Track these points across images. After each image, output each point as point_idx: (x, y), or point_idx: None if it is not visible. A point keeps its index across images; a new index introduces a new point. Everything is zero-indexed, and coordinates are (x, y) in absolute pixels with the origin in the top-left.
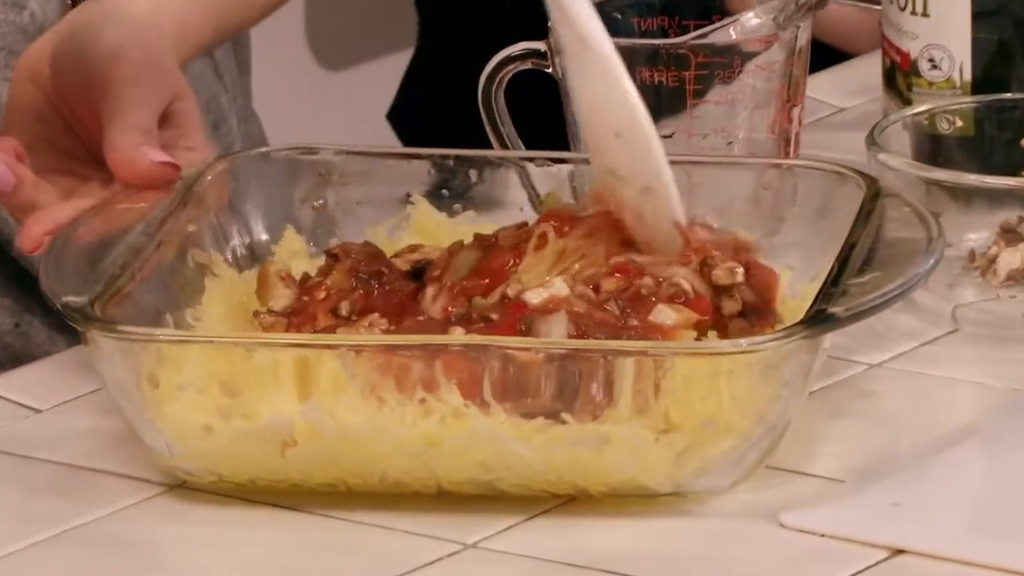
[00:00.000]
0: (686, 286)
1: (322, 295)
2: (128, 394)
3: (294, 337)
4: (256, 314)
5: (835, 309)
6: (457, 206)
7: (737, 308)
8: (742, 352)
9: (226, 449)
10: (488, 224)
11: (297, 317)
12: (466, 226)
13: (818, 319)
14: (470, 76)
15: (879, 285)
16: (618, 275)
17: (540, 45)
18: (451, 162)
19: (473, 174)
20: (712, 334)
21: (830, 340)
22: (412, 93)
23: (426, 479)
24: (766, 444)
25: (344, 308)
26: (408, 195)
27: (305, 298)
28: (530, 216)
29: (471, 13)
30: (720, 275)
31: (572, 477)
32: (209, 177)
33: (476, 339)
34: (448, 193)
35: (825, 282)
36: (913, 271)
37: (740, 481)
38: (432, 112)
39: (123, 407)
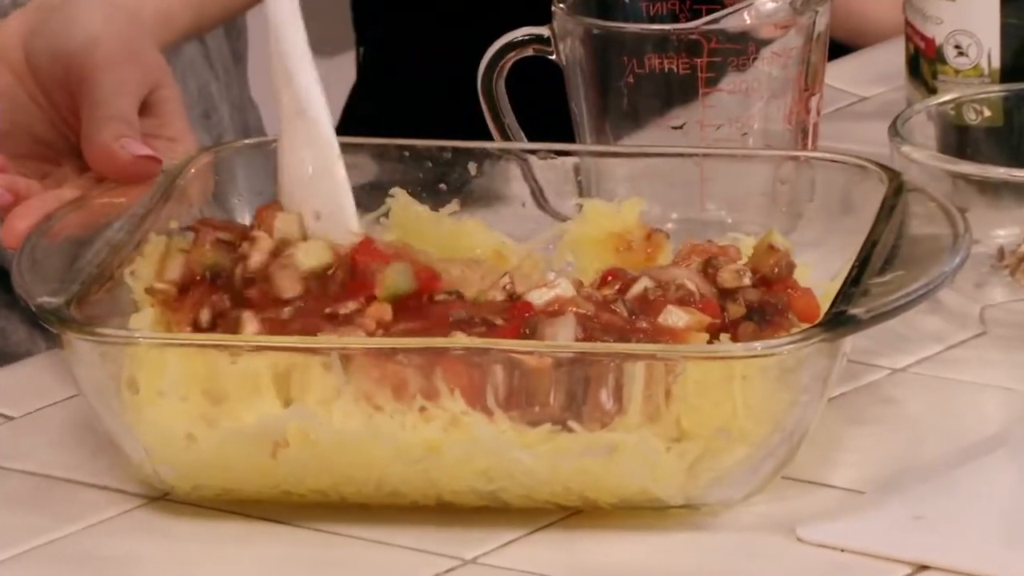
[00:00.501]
0: (692, 287)
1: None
2: (106, 400)
3: (283, 340)
4: (148, 290)
5: (855, 310)
6: (455, 200)
7: (741, 312)
8: (758, 356)
9: (212, 455)
10: (472, 218)
11: (182, 292)
12: (449, 220)
13: (838, 321)
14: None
15: (902, 285)
16: (611, 280)
17: (543, 30)
18: (449, 154)
19: (472, 167)
20: (724, 337)
21: (850, 343)
22: (354, 122)
23: (425, 488)
24: (783, 453)
25: (207, 311)
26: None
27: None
28: (519, 214)
29: (418, 45)
30: (726, 278)
31: (579, 488)
32: (192, 170)
33: (479, 342)
34: (446, 187)
35: (845, 282)
36: (938, 270)
37: (755, 492)
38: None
39: (101, 414)
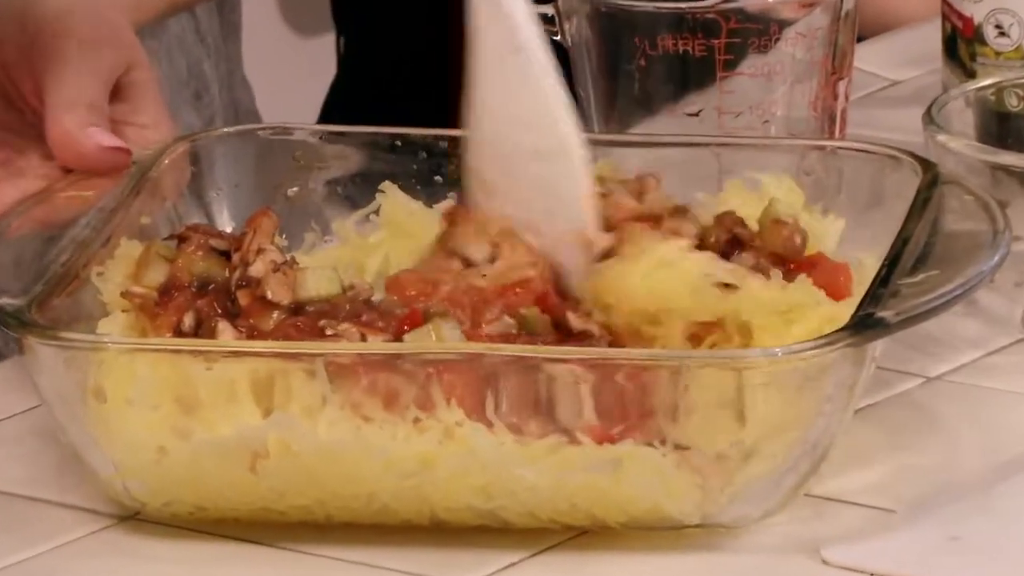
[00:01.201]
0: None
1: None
2: (71, 410)
3: (261, 345)
4: (124, 293)
5: (884, 313)
6: (452, 194)
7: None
8: (776, 362)
9: (185, 469)
10: None
11: (164, 297)
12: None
13: (865, 324)
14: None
15: (935, 286)
16: None
17: (546, 9)
18: (445, 144)
19: None
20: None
21: (880, 348)
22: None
23: (418, 506)
24: (804, 468)
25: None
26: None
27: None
28: None
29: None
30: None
31: (585, 505)
32: (166, 161)
33: (475, 347)
34: (441, 180)
35: (873, 282)
36: (974, 269)
37: (776, 511)
38: None
39: (65, 425)
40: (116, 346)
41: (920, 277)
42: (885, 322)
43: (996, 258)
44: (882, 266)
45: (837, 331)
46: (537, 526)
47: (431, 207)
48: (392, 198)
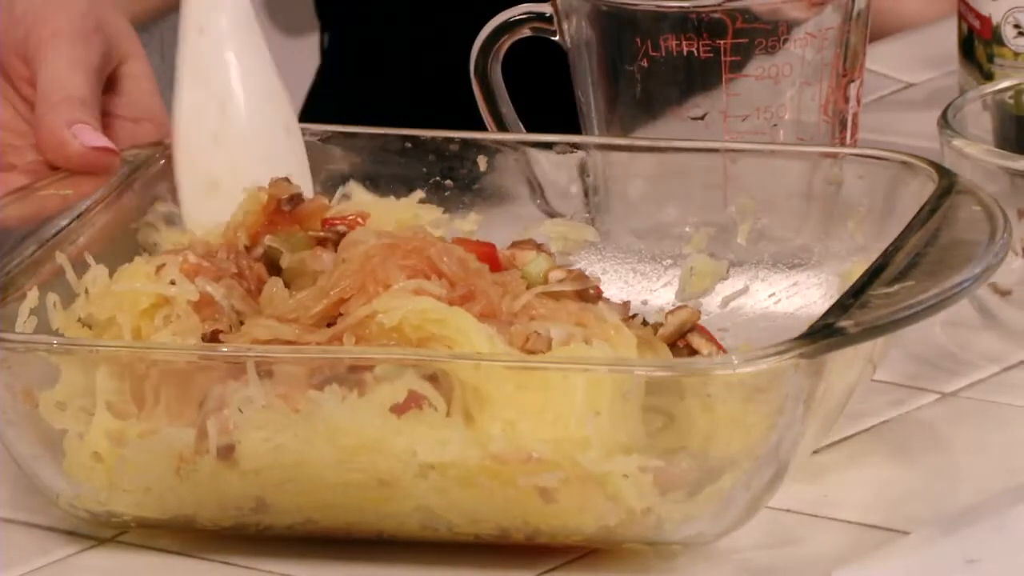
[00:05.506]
0: None
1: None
2: (7, 417)
3: (200, 347)
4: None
5: (844, 323)
6: (466, 198)
7: None
8: (724, 371)
9: (117, 475)
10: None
11: None
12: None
13: (822, 334)
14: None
15: (907, 297)
16: None
17: (544, 8)
18: (456, 146)
19: (483, 161)
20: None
21: (878, 358)
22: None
23: (370, 524)
24: (760, 484)
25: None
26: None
27: None
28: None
29: (389, 32)
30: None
31: (532, 521)
32: (163, 161)
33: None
34: (453, 184)
35: (847, 292)
36: (950, 282)
37: (730, 529)
38: None
39: (4, 434)
40: (45, 346)
41: (895, 288)
42: (843, 332)
43: (978, 270)
44: (862, 276)
45: (791, 340)
46: (480, 540)
47: (439, 208)
48: (356, 199)
